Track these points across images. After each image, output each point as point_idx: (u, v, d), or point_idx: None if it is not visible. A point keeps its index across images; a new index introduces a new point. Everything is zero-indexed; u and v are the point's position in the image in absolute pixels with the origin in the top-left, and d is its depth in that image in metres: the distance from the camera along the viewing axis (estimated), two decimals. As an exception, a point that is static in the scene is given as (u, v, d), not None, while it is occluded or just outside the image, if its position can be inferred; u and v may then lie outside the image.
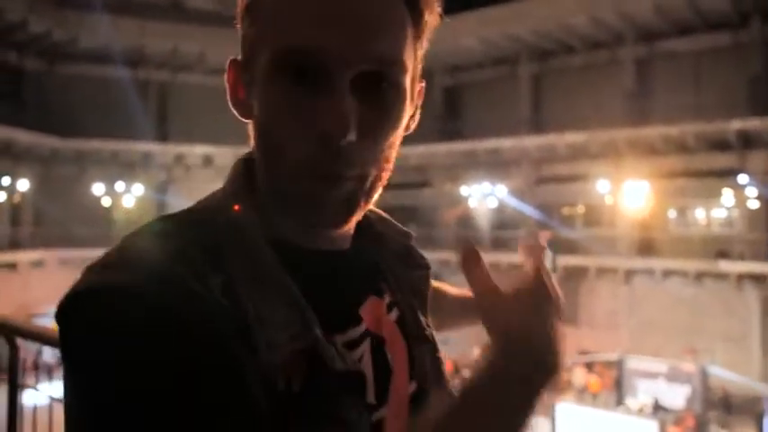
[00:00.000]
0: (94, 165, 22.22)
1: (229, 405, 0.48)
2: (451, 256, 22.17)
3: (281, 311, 0.54)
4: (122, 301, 0.47)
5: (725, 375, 14.95)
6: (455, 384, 0.69)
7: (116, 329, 0.47)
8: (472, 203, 21.86)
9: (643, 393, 15.48)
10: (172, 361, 0.46)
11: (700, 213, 19.18)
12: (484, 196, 21.54)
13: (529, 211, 20.41)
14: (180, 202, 21.89)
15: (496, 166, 21.22)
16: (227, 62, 0.61)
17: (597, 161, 19.26)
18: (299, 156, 0.54)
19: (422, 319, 0.71)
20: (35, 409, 2.16)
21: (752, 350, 16.43)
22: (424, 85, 0.64)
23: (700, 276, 17.23)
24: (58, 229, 21.11)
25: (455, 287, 1.06)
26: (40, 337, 1.94)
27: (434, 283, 0.91)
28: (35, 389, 2.19)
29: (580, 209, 21.11)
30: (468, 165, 21.66)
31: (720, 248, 17.59)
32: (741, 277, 16.61)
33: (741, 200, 17.83)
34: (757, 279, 16.41)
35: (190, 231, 0.56)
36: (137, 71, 22.42)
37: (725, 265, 16.79)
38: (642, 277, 18.16)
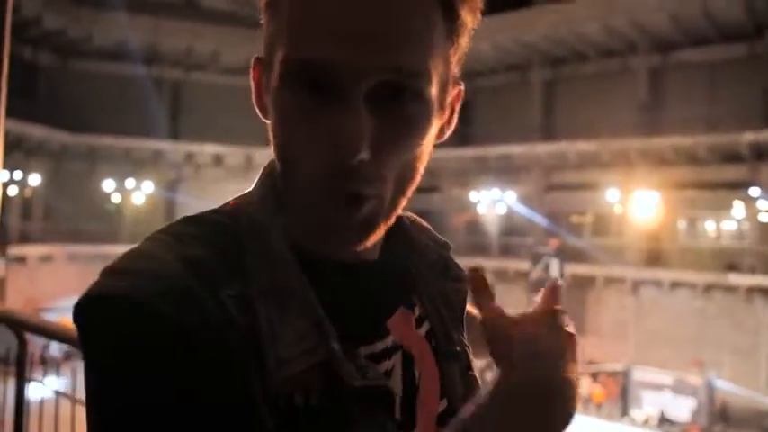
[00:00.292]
0: (105, 161, 22.36)
1: (229, 424, 0.47)
2: (460, 262, 22.05)
3: (296, 324, 0.52)
4: (130, 313, 0.47)
5: (732, 389, 14.84)
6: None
7: (122, 341, 0.47)
8: (481, 209, 21.84)
9: (648, 405, 15.39)
10: (171, 377, 0.46)
11: (710, 225, 19.06)
12: (493, 202, 21.52)
13: (537, 218, 20.36)
14: (189, 200, 22.02)
15: (506, 173, 21.20)
16: (252, 59, 0.58)
17: (607, 170, 19.20)
18: (312, 172, 0.51)
19: (454, 334, 0.67)
20: (42, 402, 2.18)
21: (760, 364, 16.29)
22: (462, 88, 0.60)
23: (708, 289, 17.11)
24: (67, 225, 21.26)
25: None
26: (48, 332, 1.95)
27: (470, 308, 0.90)
28: (42, 383, 2.20)
29: (589, 217, 21.03)
30: (477, 170, 21.66)
31: (730, 261, 17.47)
32: (750, 290, 16.49)
33: (752, 212, 17.71)
34: (767, 292, 16.28)
35: (212, 235, 0.54)
36: (150, 69, 22.56)
37: (734, 278, 16.67)
38: (650, 288, 18.06)
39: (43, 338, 2.03)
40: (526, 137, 20.70)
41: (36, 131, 20.14)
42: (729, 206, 18.15)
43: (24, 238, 20.36)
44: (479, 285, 0.55)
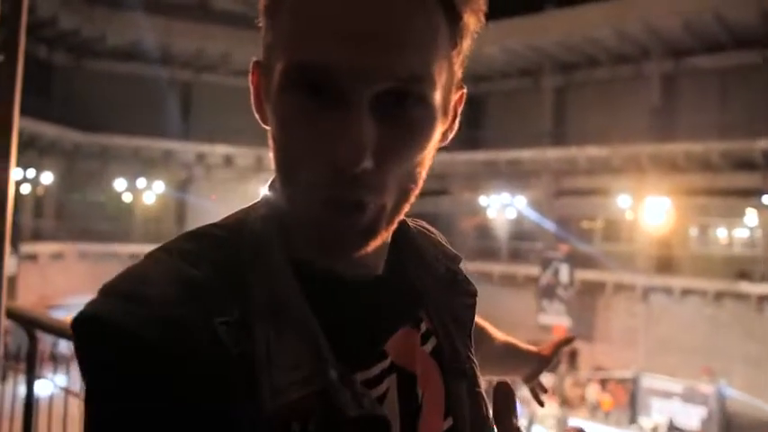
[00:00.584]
0: (117, 160, 22.51)
1: None
2: (469, 266, 22.05)
3: (294, 350, 0.51)
4: (117, 340, 0.47)
5: (742, 398, 14.71)
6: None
7: (106, 367, 0.48)
8: (491, 213, 21.79)
9: (657, 413, 15.29)
10: (149, 405, 0.47)
11: (721, 232, 18.92)
12: (503, 207, 21.47)
13: (547, 223, 20.30)
14: (200, 201, 22.13)
15: (516, 177, 21.15)
16: (251, 63, 0.57)
17: (619, 176, 19.11)
18: (313, 180, 0.50)
19: (461, 350, 0.66)
20: (51, 399, 2.19)
21: (771, 374, 16.14)
22: (464, 91, 0.60)
23: (719, 296, 16.98)
24: (78, 223, 21.40)
25: (501, 332, 1.02)
26: (58, 331, 1.97)
27: (478, 322, 0.87)
28: (51, 380, 2.22)
29: (599, 223, 20.94)
30: (487, 174, 21.62)
31: (741, 269, 17.32)
32: (762, 299, 16.35)
33: (764, 220, 17.56)
34: (778, 301, 16.14)
35: (214, 252, 0.54)
36: (162, 69, 22.69)
37: (745, 286, 16.53)
38: (660, 295, 17.94)
39: (53, 336, 2.05)
40: (537, 141, 20.65)
41: (49, 130, 20.31)
42: (741, 213, 18.02)
43: (36, 236, 20.53)
44: (507, 402, 0.50)
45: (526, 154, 20.69)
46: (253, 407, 0.49)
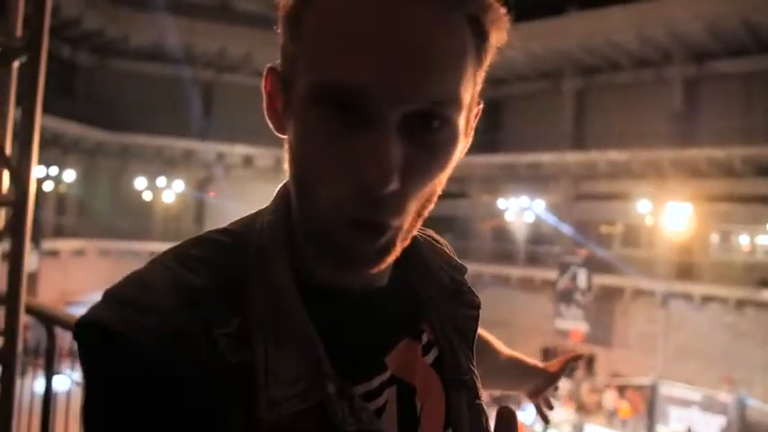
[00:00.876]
0: (138, 159, 22.75)
1: None
2: (486, 269, 22.06)
3: (293, 363, 0.52)
4: (117, 348, 0.48)
5: (762, 407, 14.47)
6: None
7: (105, 373, 0.49)
8: (509, 216, 21.69)
9: (675, 421, 15.08)
10: (144, 414, 0.47)
11: (743, 239, 18.63)
12: (521, 210, 21.36)
13: (566, 227, 20.15)
14: (219, 200, 22.28)
15: (535, 181, 21.03)
16: (266, 69, 0.57)
17: (639, 180, 18.92)
18: (335, 198, 0.49)
19: (462, 361, 0.66)
20: (69, 394, 2.22)
21: (793, 384, 15.87)
22: (481, 106, 0.59)
23: (741, 304, 16.73)
24: (99, 220, 21.67)
25: (504, 345, 1.02)
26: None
27: (483, 335, 0.87)
28: (68, 376, 2.25)
29: (618, 228, 20.74)
30: (506, 177, 21.52)
31: (763, 276, 17.05)
32: (784, 308, 16.09)
33: (788, 228, 17.29)
34: (801, 310, 15.87)
35: (218, 259, 0.55)
36: (183, 69, 22.90)
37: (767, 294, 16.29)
38: (680, 302, 17.72)
39: (71, 332, 2.08)
40: (556, 145, 20.51)
41: (72, 129, 20.58)
42: (764, 220, 17.72)
43: (58, 233, 20.81)
44: (509, 430, 0.50)
45: (546, 157, 20.56)
46: (250, 418, 0.50)
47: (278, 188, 0.61)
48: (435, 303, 0.66)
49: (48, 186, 20.41)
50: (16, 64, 2.12)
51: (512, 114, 23.19)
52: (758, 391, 15.21)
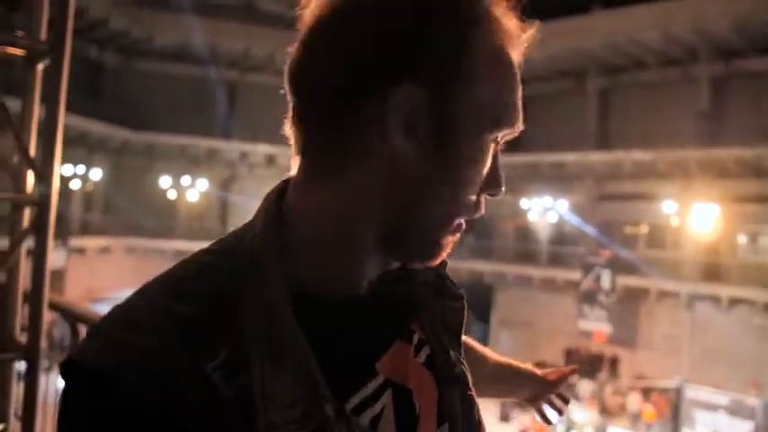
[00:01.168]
0: (163, 158, 23.04)
1: None
2: (509, 269, 21.94)
3: (290, 386, 0.52)
4: (109, 391, 0.48)
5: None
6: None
7: (95, 420, 0.49)
8: (532, 217, 21.54)
9: (701, 425, 14.86)
10: None
11: (772, 241, 18.28)
12: (544, 210, 21.20)
13: (589, 228, 19.95)
14: (242, 199, 22.46)
15: (559, 181, 20.85)
16: (389, 108, 0.55)
17: (664, 181, 18.65)
18: (471, 205, 0.60)
19: (452, 355, 0.67)
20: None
21: (822, 389, 15.51)
22: None
23: (769, 307, 16.42)
24: (125, 218, 21.99)
25: (490, 350, 1.02)
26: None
27: (469, 342, 0.88)
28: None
29: (643, 228, 20.47)
30: (529, 177, 21.35)
31: (793, 279, 16.72)
32: (814, 311, 15.75)
33: (819, 229, 16.91)
34: (832, 314, 15.51)
35: (206, 285, 0.55)
36: (208, 69, 23.14)
37: (797, 297, 15.96)
38: (706, 304, 17.44)
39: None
40: (580, 145, 20.31)
41: (99, 128, 20.92)
42: (794, 221, 17.38)
43: (85, 230, 21.16)
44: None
45: (569, 157, 20.38)
46: None
47: (264, 204, 0.62)
48: (423, 301, 0.67)
49: (75, 184, 20.76)
50: (41, 66, 2.16)
51: (534, 114, 22.97)
52: (787, 396, 14.91)
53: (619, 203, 20.07)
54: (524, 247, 22.20)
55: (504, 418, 16.55)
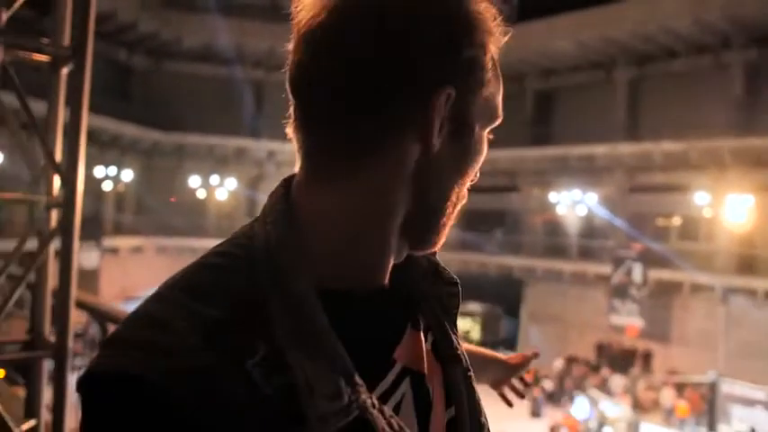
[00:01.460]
0: (192, 158, 23.35)
1: None
2: (538, 264, 21.74)
3: (330, 378, 0.52)
4: (142, 397, 0.46)
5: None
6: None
7: (131, 428, 0.47)
8: (561, 210, 21.31)
9: (738, 421, 14.56)
10: None
11: (811, 232, 17.77)
12: (573, 203, 20.95)
13: (619, 220, 19.66)
14: (270, 197, 22.66)
15: (588, 173, 20.57)
16: (436, 92, 0.57)
17: (697, 171, 18.27)
18: (461, 196, 0.63)
19: (453, 337, 0.70)
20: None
21: None
22: None
23: (807, 299, 16.00)
24: (156, 218, 22.35)
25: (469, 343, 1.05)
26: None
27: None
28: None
29: (676, 221, 20.10)
30: (558, 170, 21.12)
31: (833, 270, 16.26)
32: None
33: None
34: None
35: (229, 287, 0.54)
36: (235, 69, 23.37)
37: (837, 289, 15.51)
38: (742, 297, 17.05)
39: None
40: (609, 136, 20.00)
41: (130, 130, 21.29)
42: (833, 211, 16.88)
43: (117, 230, 21.57)
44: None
45: (598, 149, 20.08)
46: None
47: (271, 203, 0.62)
48: (423, 288, 0.69)
49: (107, 186, 21.17)
50: (65, 71, 2.21)
51: (562, 106, 22.75)
52: (827, 391, 14.51)
53: (650, 195, 19.73)
54: (554, 241, 21.97)
55: (535, 413, 16.43)
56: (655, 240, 18.79)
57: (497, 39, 0.62)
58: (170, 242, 21.89)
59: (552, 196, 21.16)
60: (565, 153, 20.79)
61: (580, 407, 15.90)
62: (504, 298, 22.41)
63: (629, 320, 18.16)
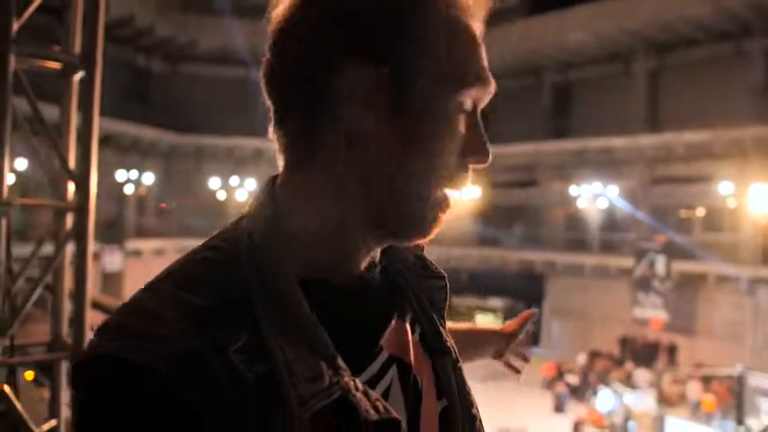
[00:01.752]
0: (211, 160, 23.55)
1: None
2: (559, 258, 21.57)
3: (311, 361, 0.53)
4: (135, 379, 0.48)
5: None
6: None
7: (119, 410, 0.48)
8: (581, 204, 21.12)
9: (767, 415, 14.32)
10: None
11: (839, 220, 17.41)
12: (594, 197, 20.75)
13: (641, 213, 19.42)
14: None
15: (608, 166, 20.35)
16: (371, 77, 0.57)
17: (719, 161, 17.97)
18: (454, 174, 0.59)
19: (441, 330, 0.70)
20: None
21: None
22: None
23: (836, 289, 15.67)
24: (177, 220, 22.58)
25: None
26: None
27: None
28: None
29: (699, 212, 19.80)
30: (577, 164, 20.93)
31: None
32: None
33: None
34: None
35: (215, 279, 0.56)
36: (251, 71, 23.48)
37: None
38: (768, 288, 16.77)
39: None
40: (628, 128, 19.76)
41: (149, 134, 21.52)
42: None
43: (140, 233, 21.83)
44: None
45: (618, 142, 19.86)
46: (284, 419, 0.51)
47: (255, 199, 0.64)
48: (410, 282, 0.70)
49: (129, 189, 21.42)
50: (76, 78, 2.24)
51: (581, 99, 22.51)
52: None
53: (672, 187, 19.47)
54: (575, 234, 21.78)
55: (558, 409, 16.32)
56: (678, 232, 18.54)
57: (465, 7, 0.60)
58: (191, 243, 21.56)
59: (572, 190, 20.97)
60: (584, 146, 20.59)
61: (605, 401, 15.75)
62: (526, 293, 22.27)
63: (652, 313, 17.94)
